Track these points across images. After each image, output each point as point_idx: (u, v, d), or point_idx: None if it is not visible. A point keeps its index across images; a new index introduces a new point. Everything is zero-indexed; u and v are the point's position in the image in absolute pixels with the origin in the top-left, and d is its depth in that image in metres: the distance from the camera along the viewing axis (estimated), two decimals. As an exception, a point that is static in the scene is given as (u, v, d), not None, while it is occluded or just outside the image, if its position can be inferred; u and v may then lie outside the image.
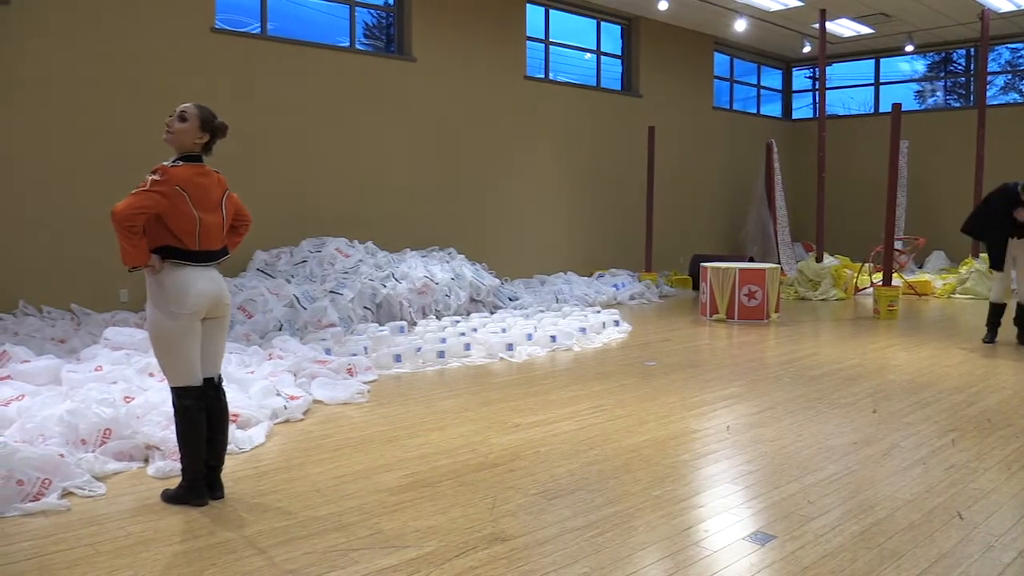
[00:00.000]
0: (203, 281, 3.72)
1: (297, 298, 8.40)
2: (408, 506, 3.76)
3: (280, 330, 7.93)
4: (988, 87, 15.11)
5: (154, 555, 3.22)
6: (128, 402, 4.74)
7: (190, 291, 3.66)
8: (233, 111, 9.57)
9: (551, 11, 13.68)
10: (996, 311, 8.66)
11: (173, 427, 4.51)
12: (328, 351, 7.06)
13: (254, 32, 10.03)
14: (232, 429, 4.68)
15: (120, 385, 5.14)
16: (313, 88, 10.35)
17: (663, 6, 13.72)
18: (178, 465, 4.14)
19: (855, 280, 13.34)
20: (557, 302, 11.15)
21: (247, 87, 9.72)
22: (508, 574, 3.05)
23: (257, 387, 5.47)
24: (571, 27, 14.29)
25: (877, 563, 3.14)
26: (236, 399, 5.17)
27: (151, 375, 5.56)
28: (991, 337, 8.63)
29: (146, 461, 4.35)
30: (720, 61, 17.24)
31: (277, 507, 3.75)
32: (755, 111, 18.61)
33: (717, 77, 17.09)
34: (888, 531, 3.46)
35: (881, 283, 11.07)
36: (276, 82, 9.99)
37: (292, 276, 9.17)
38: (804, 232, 17.54)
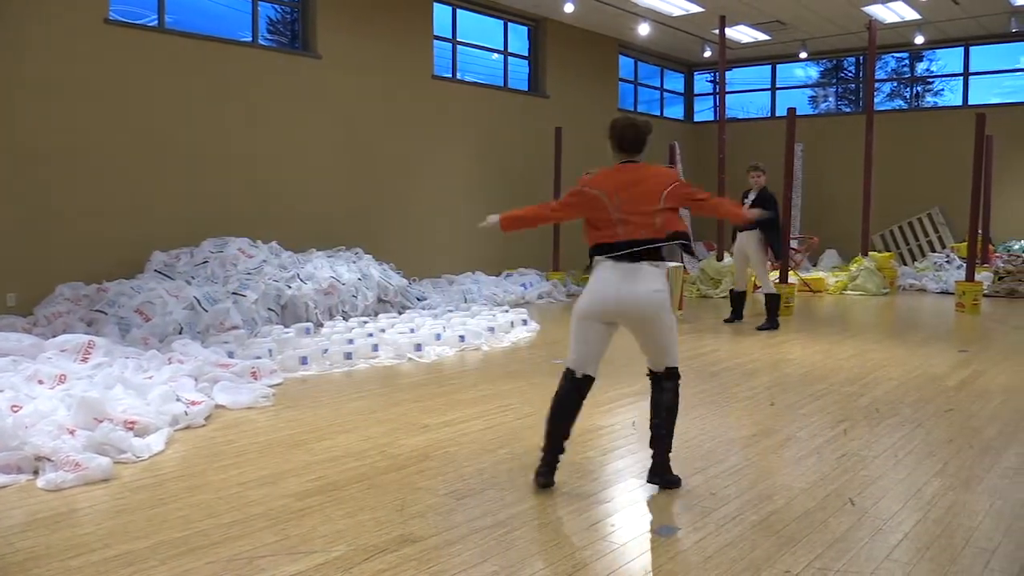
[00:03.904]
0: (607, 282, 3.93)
1: (198, 300, 8.15)
2: (315, 511, 3.70)
3: (180, 333, 7.68)
4: (876, 94, 15.87)
5: (46, 572, 3.08)
6: (15, 411, 4.52)
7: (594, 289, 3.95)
8: (129, 107, 9.23)
9: (458, 10, 13.67)
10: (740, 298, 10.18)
11: (65, 436, 4.34)
12: (231, 354, 6.88)
13: (151, 25, 9.68)
14: (128, 436, 4.52)
15: (7, 394, 4.88)
16: (214, 84, 10.06)
17: (569, 8, 13.90)
18: (70, 476, 4.00)
19: (753, 278, 13.81)
20: (465, 302, 11.15)
21: (144, 82, 9.37)
22: (418, 575, 3.04)
23: (156, 392, 5.28)
24: (478, 27, 14.32)
25: (775, 550, 3.27)
26: (134, 405, 4.99)
27: (40, 382, 5.30)
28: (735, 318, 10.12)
29: (36, 473, 4.14)
30: (625, 64, 17.57)
31: (178, 516, 3.63)
32: (659, 113, 19.05)
33: (622, 79, 17.42)
34: (785, 519, 3.60)
35: (778, 280, 11.49)
36: (174, 77, 9.66)
37: (193, 277, 8.89)
38: (706, 231, 18.05)
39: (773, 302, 9.70)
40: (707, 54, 17.31)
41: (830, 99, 19.44)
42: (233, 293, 8.53)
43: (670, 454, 4.05)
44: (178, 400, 5.28)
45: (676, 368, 4.08)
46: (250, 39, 10.75)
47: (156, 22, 9.72)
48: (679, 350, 4.11)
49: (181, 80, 9.73)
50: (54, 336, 6.63)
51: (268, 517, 3.62)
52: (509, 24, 14.73)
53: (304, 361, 6.99)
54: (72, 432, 4.42)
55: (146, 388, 5.39)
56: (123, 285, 8.26)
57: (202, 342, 7.35)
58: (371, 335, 7.96)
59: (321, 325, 8.66)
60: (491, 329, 8.69)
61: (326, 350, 7.23)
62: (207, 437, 4.96)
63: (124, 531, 3.46)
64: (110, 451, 4.36)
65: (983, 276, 13.07)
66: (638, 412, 5.58)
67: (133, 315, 7.79)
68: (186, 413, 5.16)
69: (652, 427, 4.08)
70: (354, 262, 10.30)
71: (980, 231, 13.09)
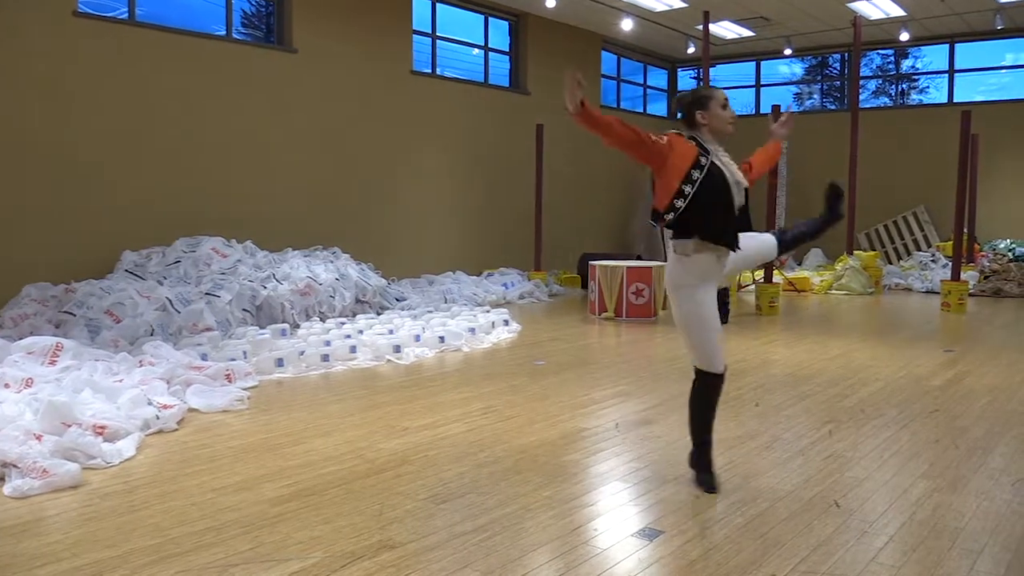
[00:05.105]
0: None
1: (170, 301, 8.09)
2: (291, 517, 3.68)
3: (152, 335, 7.62)
4: (861, 91, 16.00)
5: (10, 581, 3.04)
6: (-20, 416, 4.46)
7: None
8: (98, 101, 9.14)
9: (438, 5, 13.65)
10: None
11: (32, 442, 4.29)
12: (204, 356, 6.83)
13: (121, 17, 9.59)
14: (98, 441, 4.47)
15: (-30, 398, 4.82)
16: (186, 79, 9.99)
17: (551, 3, 13.91)
18: (37, 482, 3.96)
19: (738, 277, 13.88)
20: (445, 302, 11.13)
21: (113, 76, 9.28)
22: (396, 582, 3.03)
23: (126, 396, 5.23)
24: (459, 21, 14.31)
25: (760, 553, 3.28)
26: (103, 410, 4.95)
27: (6, 386, 5.23)
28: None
29: (1, 480, 4.08)
30: (608, 60, 17.62)
31: (149, 523, 3.60)
32: (642, 110, 19.10)
33: (605, 76, 17.46)
34: (770, 522, 3.62)
35: (763, 280, 11.56)
36: (146, 72, 9.58)
37: (164, 278, 8.82)
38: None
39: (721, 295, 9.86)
40: (691, 50, 17.37)
41: (815, 96, 19.58)
42: (206, 294, 8.47)
43: (701, 454, 4.10)
44: (149, 404, 5.23)
45: (699, 369, 4.11)
46: (224, 33, 10.68)
47: (126, 15, 9.63)
48: (709, 351, 4.11)
49: (152, 75, 9.65)
50: (20, 338, 6.54)
51: (242, 524, 3.59)
52: (490, 19, 14.72)
53: (280, 363, 6.94)
54: (39, 437, 4.37)
55: (116, 392, 5.33)
56: (92, 286, 8.17)
57: (174, 344, 7.29)
58: (349, 336, 7.92)
59: (297, 326, 8.61)
60: (472, 330, 8.68)
61: (303, 352, 7.19)
62: (179, 442, 4.91)
63: (93, 539, 3.42)
64: (79, 457, 4.31)
65: (969, 275, 13.22)
66: (621, 414, 5.59)
67: (103, 316, 7.71)
68: (158, 417, 5.10)
69: None
70: (331, 262, 10.25)
71: (965, 230, 13.23)
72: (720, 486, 4.01)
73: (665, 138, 3.84)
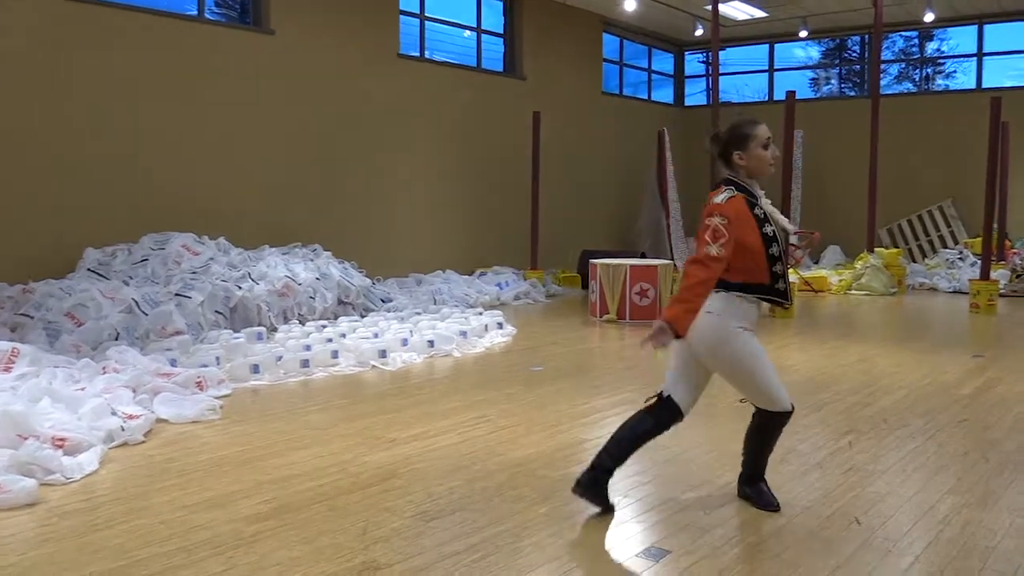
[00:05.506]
0: None
1: (137, 302, 8.07)
2: (268, 536, 3.66)
3: (116, 339, 7.60)
4: (882, 76, 16.03)
5: (-39, 606, 3.02)
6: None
7: None
8: (56, 88, 9.11)
9: (426, -17, 13.66)
10: None
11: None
12: (174, 362, 6.82)
13: (82, -4, 9.56)
14: (57, 455, 4.45)
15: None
16: (154, 63, 9.95)
17: (548, -19, 13.92)
18: (-9, 499, 3.94)
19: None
20: (435, 303, 11.14)
21: (76, 60, 9.25)
22: (381, 607, 3.01)
23: (88, 406, 5.21)
24: (449, 1, 14.30)
25: (774, 574, 3.27)
26: (64, 420, 4.93)
27: (-42, 395, 5.21)
28: None
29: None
30: (609, 42, 17.63)
31: (114, 544, 3.58)
32: (646, 97, 19.12)
33: (606, 60, 17.47)
34: (786, 540, 3.61)
35: (777, 279, 11.55)
36: (109, 55, 9.54)
37: (130, 277, 8.79)
38: (697, 226, 18.11)
39: None
40: (699, 32, 17.39)
41: (832, 81, 19.62)
42: (176, 294, 8.45)
43: (761, 479, 4.10)
44: (114, 414, 5.22)
45: (765, 410, 4.00)
46: (195, 13, 10.65)
47: (89, -7, 9.60)
48: (775, 391, 3.98)
49: (118, 58, 9.61)
50: (-26, 343, 6.52)
51: (215, 544, 3.58)
52: (482, -2, 14.73)
53: (256, 370, 6.93)
54: (-7, 450, 4.35)
55: (77, 401, 5.31)
56: (51, 286, 8.15)
57: (141, 349, 7.27)
58: (330, 341, 7.92)
59: (275, 330, 8.60)
60: (463, 333, 8.67)
61: (280, 357, 7.19)
62: (146, 455, 4.90)
63: (51, 562, 3.40)
64: (36, 472, 4.29)
65: (999, 274, 13.24)
66: (625, 424, 5.58)
67: (63, 319, 7.68)
68: (123, 428, 5.09)
69: None
70: (311, 260, 10.24)
71: (995, 225, 13.25)
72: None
73: (725, 229, 3.75)
